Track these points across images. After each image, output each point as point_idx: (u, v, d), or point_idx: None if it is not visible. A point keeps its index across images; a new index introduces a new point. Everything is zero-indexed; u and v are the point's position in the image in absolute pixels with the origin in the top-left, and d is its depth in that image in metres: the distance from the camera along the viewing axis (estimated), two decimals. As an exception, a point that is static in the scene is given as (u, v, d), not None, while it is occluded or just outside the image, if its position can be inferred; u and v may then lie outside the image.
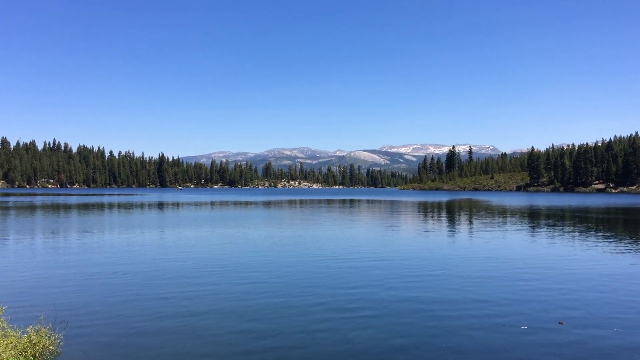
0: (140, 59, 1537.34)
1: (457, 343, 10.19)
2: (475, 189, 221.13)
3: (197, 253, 22.85)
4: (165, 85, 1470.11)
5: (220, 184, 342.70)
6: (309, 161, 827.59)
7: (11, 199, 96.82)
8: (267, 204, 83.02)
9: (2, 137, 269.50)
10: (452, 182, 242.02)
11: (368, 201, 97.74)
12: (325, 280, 16.54)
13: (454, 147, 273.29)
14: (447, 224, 42.18)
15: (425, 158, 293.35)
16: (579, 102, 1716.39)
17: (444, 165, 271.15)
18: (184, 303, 13.32)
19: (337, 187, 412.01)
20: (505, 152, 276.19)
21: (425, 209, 67.40)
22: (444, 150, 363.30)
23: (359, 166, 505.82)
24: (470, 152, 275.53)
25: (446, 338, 10.49)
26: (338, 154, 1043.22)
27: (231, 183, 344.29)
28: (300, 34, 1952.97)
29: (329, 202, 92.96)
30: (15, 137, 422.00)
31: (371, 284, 15.70)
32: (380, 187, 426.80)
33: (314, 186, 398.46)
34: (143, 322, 11.49)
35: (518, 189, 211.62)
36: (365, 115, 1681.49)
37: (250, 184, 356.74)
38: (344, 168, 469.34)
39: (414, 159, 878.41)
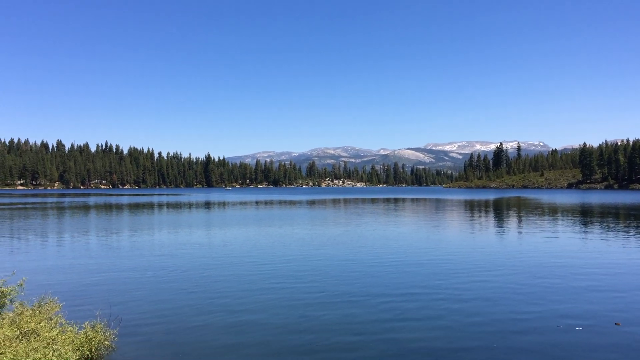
0: (185, 62, 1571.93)
1: (511, 344, 9.92)
2: (524, 187, 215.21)
3: (246, 252, 23.14)
4: (212, 87, 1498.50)
5: (265, 183, 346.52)
6: (353, 160, 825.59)
7: (67, 199, 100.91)
8: (312, 203, 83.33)
9: (58, 140, 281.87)
10: (500, 180, 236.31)
11: (413, 200, 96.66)
12: (375, 280, 16.42)
13: (501, 144, 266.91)
14: (495, 223, 41.19)
15: (471, 155, 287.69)
16: (633, 96, 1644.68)
17: (491, 162, 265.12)
18: (233, 301, 13.50)
19: (380, 185, 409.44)
20: (555, 149, 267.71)
21: (472, 207, 66.07)
22: (491, 148, 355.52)
23: (403, 165, 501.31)
24: (518, 148, 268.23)
25: (500, 339, 10.22)
26: (382, 152, 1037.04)
27: (275, 182, 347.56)
28: (342, 34, 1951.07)
29: (373, 200, 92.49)
30: (70, 139, 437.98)
31: (421, 285, 15.46)
32: (425, 186, 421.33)
33: (358, 185, 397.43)
34: (193, 319, 11.72)
35: (569, 186, 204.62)
36: (409, 113, 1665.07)
37: (294, 183, 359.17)
38: (387, 167, 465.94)
39: (460, 157, 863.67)
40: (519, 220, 42.64)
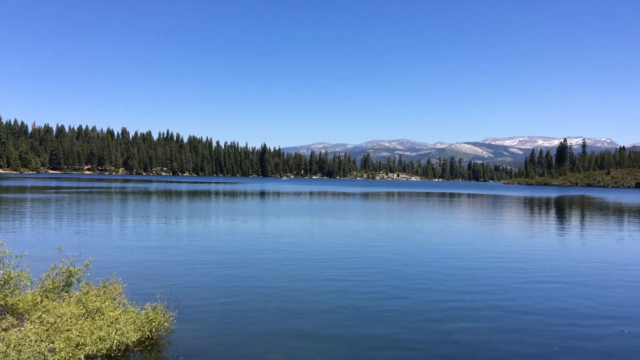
0: (244, 53, 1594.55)
1: (573, 349, 9.51)
2: (589, 185, 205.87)
3: (301, 242, 23.32)
4: (270, 78, 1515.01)
5: (319, 174, 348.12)
6: (408, 153, 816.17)
7: (129, 185, 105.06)
8: (365, 195, 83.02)
9: (123, 128, 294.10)
10: (562, 178, 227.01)
11: (469, 195, 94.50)
12: (429, 276, 16.17)
13: (565, 140, 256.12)
14: (557, 222, 39.64)
15: (532, 151, 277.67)
16: None
17: (553, 159, 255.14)
18: (287, 289, 13.62)
19: (436, 180, 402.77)
20: (623, 146, 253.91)
21: (532, 205, 63.84)
22: (554, 144, 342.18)
23: (459, 159, 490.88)
24: (583, 145, 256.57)
25: (561, 344, 9.83)
26: (438, 146, 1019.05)
27: (330, 174, 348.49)
28: (401, 23, 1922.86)
29: (428, 195, 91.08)
30: (134, 127, 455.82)
31: (478, 288, 14.94)
32: (483, 181, 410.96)
33: (413, 178, 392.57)
34: (248, 305, 11.90)
35: (637, 186, 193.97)
36: (468, 106, 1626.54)
37: (348, 175, 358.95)
38: (444, 161, 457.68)
39: (520, 152, 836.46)
40: (583, 221, 40.86)
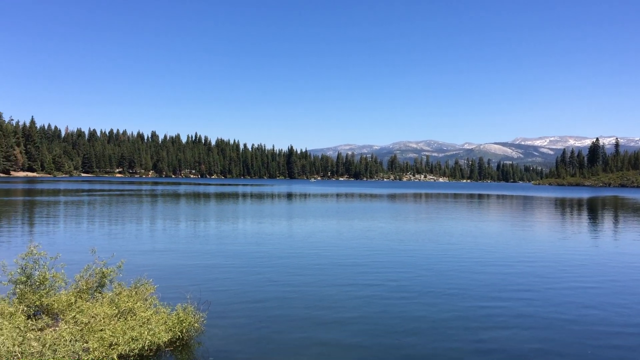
0: (270, 55, 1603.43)
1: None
2: (622, 186, 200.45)
3: (329, 244, 23.32)
4: (295, 80, 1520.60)
5: (346, 176, 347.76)
6: (435, 154, 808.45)
7: (159, 187, 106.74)
8: (392, 196, 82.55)
9: (152, 131, 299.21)
10: (595, 178, 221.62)
11: (498, 196, 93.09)
12: (459, 279, 15.97)
13: (597, 139, 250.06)
14: (589, 224, 38.71)
15: (564, 151, 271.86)
16: None
17: (585, 159, 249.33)
18: (316, 292, 13.62)
19: (464, 181, 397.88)
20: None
21: (563, 206, 62.51)
22: (586, 143, 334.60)
23: (488, 159, 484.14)
24: (617, 144, 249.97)
25: (598, 354, 9.59)
26: (466, 146, 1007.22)
27: (356, 175, 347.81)
28: (424, 22, 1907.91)
29: (456, 196, 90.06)
30: (163, 130, 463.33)
31: (512, 294, 14.52)
32: (512, 182, 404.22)
33: (440, 180, 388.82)
34: (277, 307, 11.95)
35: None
36: (496, 106, 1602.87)
37: (375, 176, 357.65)
38: (472, 161, 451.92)
39: (551, 153, 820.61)
40: (617, 223, 39.81)
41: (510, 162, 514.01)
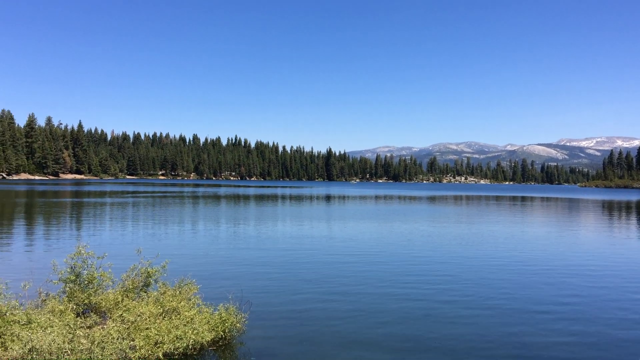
0: (307, 58, 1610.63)
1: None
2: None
3: (369, 246, 23.20)
4: (334, 82, 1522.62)
5: (385, 178, 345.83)
6: (476, 156, 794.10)
7: (200, 189, 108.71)
8: (433, 198, 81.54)
9: (194, 134, 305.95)
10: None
11: (542, 199, 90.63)
12: (507, 286, 15.60)
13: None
14: (638, 227, 37.22)
15: (611, 152, 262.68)
16: None
17: (634, 160, 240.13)
18: (356, 294, 13.55)
19: (506, 183, 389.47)
20: None
21: (611, 209, 60.30)
22: (635, 144, 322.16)
23: (532, 161, 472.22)
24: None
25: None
26: (508, 148, 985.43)
27: (395, 177, 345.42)
28: (464, 24, 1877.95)
29: (498, 198, 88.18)
30: (204, 134, 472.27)
31: (563, 299, 13.98)
32: (557, 184, 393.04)
33: (481, 182, 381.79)
34: (318, 309, 11.94)
35: None
36: (540, 106, 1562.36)
37: (414, 178, 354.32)
38: (515, 163, 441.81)
39: (598, 154, 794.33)
40: (671, 225, 38.09)
41: (555, 164, 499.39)
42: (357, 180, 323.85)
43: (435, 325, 10.87)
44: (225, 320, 9.38)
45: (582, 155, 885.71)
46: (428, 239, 25.98)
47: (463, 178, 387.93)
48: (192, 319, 9.15)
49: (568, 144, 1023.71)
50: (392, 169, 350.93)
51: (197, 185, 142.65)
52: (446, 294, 13.70)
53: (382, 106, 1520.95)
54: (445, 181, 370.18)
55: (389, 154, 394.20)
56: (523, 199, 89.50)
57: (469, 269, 17.57)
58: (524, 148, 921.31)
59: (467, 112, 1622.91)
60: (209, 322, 9.26)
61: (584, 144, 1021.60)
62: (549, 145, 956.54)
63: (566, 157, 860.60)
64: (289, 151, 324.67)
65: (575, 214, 49.81)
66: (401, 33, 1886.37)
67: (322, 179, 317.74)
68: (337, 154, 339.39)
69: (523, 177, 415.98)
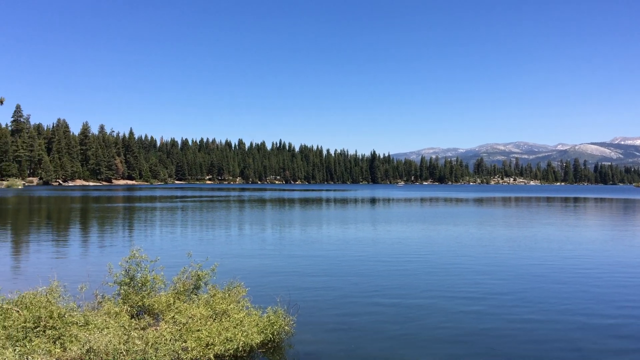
0: (352, 62, 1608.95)
1: None
2: None
3: (418, 250, 22.93)
4: (377, 84, 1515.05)
5: (430, 180, 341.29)
6: (526, 156, 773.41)
7: (246, 193, 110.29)
8: (480, 200, 79.83)
9: (239, 139, 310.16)
10: None
11: (596, 199, 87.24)
12: (567, 293, 15.07)
13: None
14: None
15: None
16: None
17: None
18: (404, 296, 13.41)
19: (557, 184, 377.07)
20: None
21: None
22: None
23: (584, 161, 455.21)
24: None
25: None
26: (559, 147, 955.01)
27: (441, 179, 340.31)
28: (509, 22, 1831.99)
29: (549, 199, 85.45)
30: (249, 138, 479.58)
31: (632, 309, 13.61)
32: (611, 185, 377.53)
33: (531, 183, 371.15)
34: (365, 311, 11.87)
35: None
36: (592, 103, 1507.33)
37: (460, 180, 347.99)
38: (566, 163, 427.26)
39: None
40: None
41: (609, 164, 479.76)
42: (403, 183, 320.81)
43: (487, 331, 10.61)
44: (273, 322, 9.45)
45: (637, 154, 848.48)
46: (478, 242, 25.42)
47: (512, 179, 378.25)
48: (241, 321, 9.27)
49: (623, 142, 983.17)
50: (438, 171, 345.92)
51: (242, 190, 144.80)
52: (498, 299, 13.36)
53: (427, 107, 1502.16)
54: (492, 183, 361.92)
55: (434, 156, 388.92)
56: (576, 200, 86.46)
57: (522, 273, 17.08)
58: (576, 147, 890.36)
59: (516, 111, 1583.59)
60: (257, 324, 9.36)
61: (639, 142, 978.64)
62: (602, 144, 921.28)
63: (621, 156, 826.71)
64: (333, 154, 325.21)
65: (632, 216, 47.68)
66: (448, 32, 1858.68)
67: (366, 182, 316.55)
68: (381, 156, 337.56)
69: (575, 177, 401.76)
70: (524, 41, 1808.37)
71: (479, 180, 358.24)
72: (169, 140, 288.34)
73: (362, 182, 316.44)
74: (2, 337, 8.23)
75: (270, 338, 9.36)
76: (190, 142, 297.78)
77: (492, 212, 50.98)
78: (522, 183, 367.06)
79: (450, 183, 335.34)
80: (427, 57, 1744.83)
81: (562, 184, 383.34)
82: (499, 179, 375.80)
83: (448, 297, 13.40)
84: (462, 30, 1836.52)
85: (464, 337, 10.13)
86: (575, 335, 10.30)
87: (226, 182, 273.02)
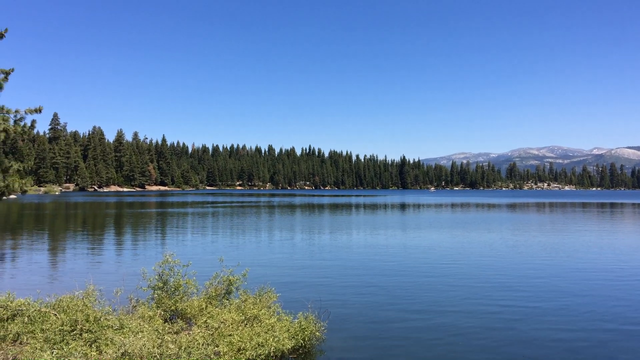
0: (378, 66, 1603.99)
1: None
2: None
3: (450, 256, 22.65)
4: (407, 89, 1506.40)
5: (461, 185, 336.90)
6: (560, 161, 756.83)
7: (276, 199, 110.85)
8: (513, 206, 78.37)
9: (269, 145, 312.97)
10: None
11: (634, 205, 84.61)
12: (599, 299, 14.69)
13: None
14: None
15: None
16: None
17: None
18: (437, 304, 13.26)
19: (593, 189, 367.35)
20: None
21: None
22: None
23: (621, 165, 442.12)
24: None
25: None
26: (595, 152, 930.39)
27: (472, 185, 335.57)
28: (548, 21, 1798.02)
29: (585, 205, 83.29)
30: (279, 144, 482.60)
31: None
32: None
33: (566, 188, 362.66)
34: (394, 320, 11.78)
35: None
36: (629, 106, 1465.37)
37: (492, 185, 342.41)
38: (602, 168, 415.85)
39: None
40: None
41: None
42: (434, 189, 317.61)
43: (523, 342, 10.37)
44: (304, 328, 9.44)
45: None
46: (513, 249, 24.92)
47: (545, 184, 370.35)
48: (272, 326, 9.29)
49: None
50: (469, 176, 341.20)
51: (272, 195, 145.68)
52: (534, 308, 13.06)
53: (458, 112, 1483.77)
54: (526, 188, 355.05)
55: (464, 161, 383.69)
56: (612, 205, 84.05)
57: (560, 282, 16.68)
58: (612, 152, 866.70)
59: (549, 115, 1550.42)
60: (289, 330, 9.36)
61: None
62: (639, 148, 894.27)
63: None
64: (362, 160, 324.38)
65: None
66: (480, 35, 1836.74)
67: (396, 187, 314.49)
68: (411, 161, 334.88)
69: (612, 182, 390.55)
70: (559, 43, 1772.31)
71: (511, 186, 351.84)
72: (201, 146, 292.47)
73: (391, 187, 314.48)
74: (40, 340, 8.45)
75: (302, 344, 9.35)
76: (221, 149, 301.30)
77: (526, 218, 49.96)
78: (556, 188, 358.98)
79: (481, 188, 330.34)
80: (458, 61, 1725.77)
81: (598, 189, 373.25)
82: (532, 184, 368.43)
83: (483, 306, 13.16)
84: (495, 33, 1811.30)
85: (499, 348, 9.93)
86: (621, 344, 9.98)
87: (256, 188, 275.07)
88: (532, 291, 14.84)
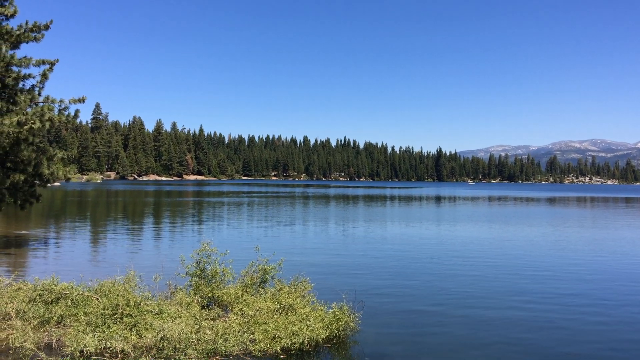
0: (412, 61, 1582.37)
1: None
2: None
3: (490, 250, 22.29)
4: (443, 80, 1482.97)
5: (499, 178, 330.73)
6: (603, 154, 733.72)
7: (311, 190, 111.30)
8: (552, 200, 76.50)
9: (304, 136, 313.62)
10: None
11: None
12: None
13: None
14: None
15: None
16: None
17: None
18: (471, 297, 13.08)
19: (637, 183, 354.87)
20: None
21: None
22: None
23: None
24: None
25: None
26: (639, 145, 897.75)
27: (510, 178, 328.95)
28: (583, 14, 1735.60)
29: (628, 200, 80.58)
30: (314, 135, 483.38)
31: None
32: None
33: (609, 182, 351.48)
34: (430, 312, 11.67)
35: None
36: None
37: (531, 179, 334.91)
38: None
39: None
40: None
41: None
42: (470, 181, 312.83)
43: (565, 342, 10.13)
44: (339, 318, 9.46)
45: None
46: (554, 244, 24.27)
47: (587, 178, 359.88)
48: (307, 316, 9.35)
49: None
50: (507, 169, 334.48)
51: (307, 186, 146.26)
52: (573, 304, 12.74)
53: (496, 103, 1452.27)
54: (567, 182, 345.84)
55: (503, 154, 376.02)
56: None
57: (606, 279, 16.19)
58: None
59: (592, 107, 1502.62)
60: (323, 319, 9.40)
61: None
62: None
63: None
64: (397, 152, 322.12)
65: None
66: (521, 26, 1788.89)
67: (431, 180, 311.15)
68: (448, 154, 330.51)
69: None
70: (600, 32, 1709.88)
71: (551, 179, 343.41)
72: (237, 137, 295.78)
73: (427, 179, 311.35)
74: (82, 323, 8.75)
75: (336, 334, 9.37)
76: (256, 139, 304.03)
77: (567, 213, 48.70)
78: (598, 182, 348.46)
79: (520, 182, 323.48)
80: (496, 53, 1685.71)
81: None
82: (573, 177, 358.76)
83: (524, 303, 12.87)
84: (540, 23, 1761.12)
85: (534, 339, 9.73)
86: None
87: (291, 179, 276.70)
88: (579, 289, 14.42)
